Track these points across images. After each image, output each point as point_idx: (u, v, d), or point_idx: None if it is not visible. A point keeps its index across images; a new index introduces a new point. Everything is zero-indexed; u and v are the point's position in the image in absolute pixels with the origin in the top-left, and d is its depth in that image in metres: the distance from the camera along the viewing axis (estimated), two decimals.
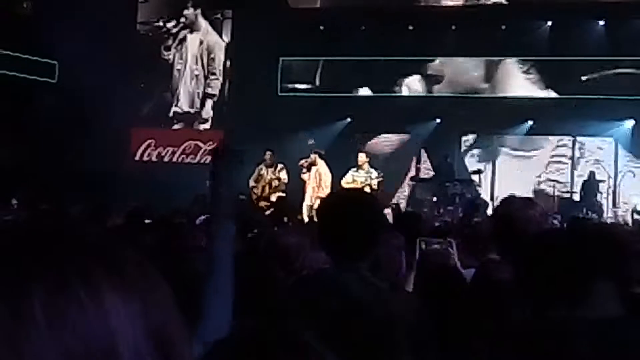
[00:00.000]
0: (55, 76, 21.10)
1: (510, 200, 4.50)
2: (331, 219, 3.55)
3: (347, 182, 17.00)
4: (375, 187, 16.96)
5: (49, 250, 0.91)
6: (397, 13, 20.91)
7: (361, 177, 17.07)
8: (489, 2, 20.88)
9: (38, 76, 20.62)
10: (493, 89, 21.02)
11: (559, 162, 20.64)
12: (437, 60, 21.29)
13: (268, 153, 17.70)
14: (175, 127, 22.88)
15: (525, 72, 20.81)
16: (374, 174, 17.39)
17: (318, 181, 17.14)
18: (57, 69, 21.08)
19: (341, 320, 3.13)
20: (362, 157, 17.45)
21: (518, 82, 20.80)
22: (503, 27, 20.39)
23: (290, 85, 22.20)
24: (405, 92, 21.52)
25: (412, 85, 21.55)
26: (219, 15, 22.68)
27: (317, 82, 22.12)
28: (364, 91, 21.81)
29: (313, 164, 17.34)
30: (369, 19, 20.90)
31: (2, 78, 19.46)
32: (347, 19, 20.97)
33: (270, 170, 17.56)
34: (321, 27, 21.40)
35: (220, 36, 22.77)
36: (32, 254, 0.90)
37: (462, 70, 21.25)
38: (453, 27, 20.71)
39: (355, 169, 17.28)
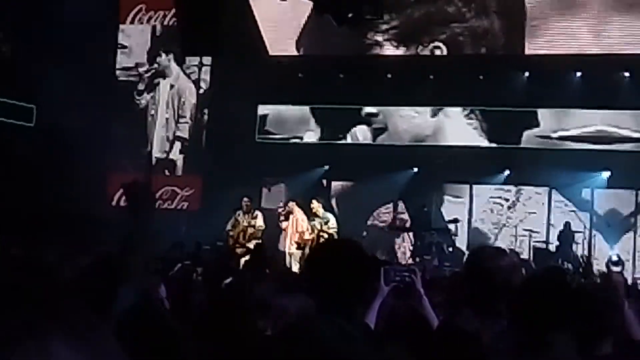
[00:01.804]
0: (32, 120, 21.05)
1: (481, 250, 4.54)
2: (318, 267, 3.57)
3: (309, 232, 16.91)
4: (331, 231, 16.89)
5: None
6: (375, 62, 21.06)
7: (317, 225, 16.99)
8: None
9: (15, 120, 20.57)
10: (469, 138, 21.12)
11: (535, 212, 20.70)
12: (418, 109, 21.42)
13: (245, 199, 17.68)
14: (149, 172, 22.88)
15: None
16: (329, 218, 17.33)
17: (295, 228, 17.12)
18: (34, 113, 21.04)
19: None
20: (314, 205, 17.30)
21: (495, 131, 20.92)
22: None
23: (268, 133, 22.26)
24: (383, 140, 21.59)
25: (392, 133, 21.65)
26: (197, 62, 22.79)
27: (295, 130, 22.17)
28: (342, 139, 21.86)
29: (290, 212, 17.32)
30: (348, 67, 21.03)
31: None
32: (326, 66, 21.09)
33: (246, 217, 17.52)
34: (300, 75, 21.51)
35: (198, 81, 22.89)
36: None
37: (443, 119, 21.38)
38: (431, 77, 20.83)
39: (311, 218, 17.19)
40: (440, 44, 20.85)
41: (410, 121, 21.46)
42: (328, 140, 21.76)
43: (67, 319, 0.94)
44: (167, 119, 23.03)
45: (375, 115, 21.44)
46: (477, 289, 4.02)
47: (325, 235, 16.25)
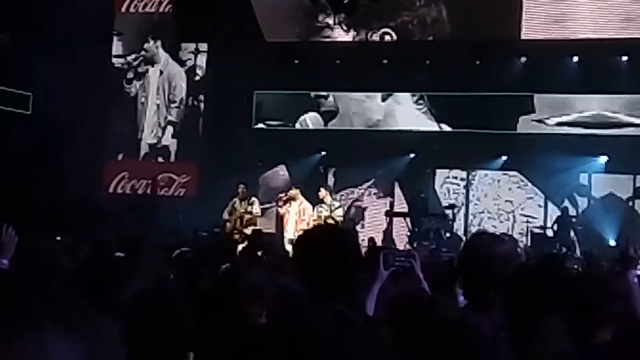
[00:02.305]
0: (29, 108, 21.03)
1: (478, 235, 4.52)
2: (307, 254, 3.55)
3: (314, 219, 16.94)
4: (338, 218, 16.90)
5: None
6: (371, 47, 21.02)
7: (324, 212, 17.01)
8: None
9: (13, 107, 20.55)
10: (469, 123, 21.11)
11: (532, 197, 20.70)
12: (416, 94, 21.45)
13: (241, 186, 17.70)
14: (142, 159, 22.91)
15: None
16: (336, 205, 17.37)
17: (300, 215, 17.08)
18: (31, 100, 21.01)
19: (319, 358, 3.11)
20: (322, 192, 17.34)
21: (489, 115, 20.91)
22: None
23: (264, 119, 22.25)
24: (377, 125, 21.62)
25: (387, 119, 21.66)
26: (193, 49, 22.76)
27: (292, 116, 22.17)
28: (339, 124, 21.87)
29: (293, 198, 17.28)
30: (344, 53, 20.99)
31: None
32: (322, 53, 21.05)
33: (243, 203, 17.55)
34: (296, 61, 21.45)
35: (194, 68, 22.88)
36: None
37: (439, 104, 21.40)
38: (427, 62, 20.81)
39: (318, 205, 17.24)
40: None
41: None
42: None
43: (65, 312, 0.94)
44: (157, 105, 23.03)
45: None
46: (473, 276, 4.00)
47: (332, 222, 16.22)
